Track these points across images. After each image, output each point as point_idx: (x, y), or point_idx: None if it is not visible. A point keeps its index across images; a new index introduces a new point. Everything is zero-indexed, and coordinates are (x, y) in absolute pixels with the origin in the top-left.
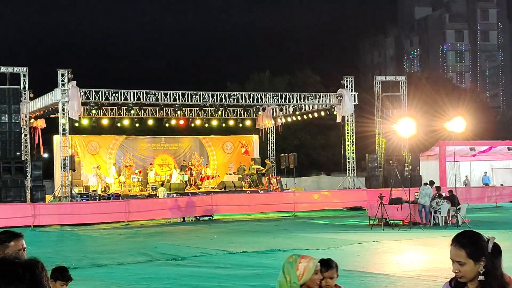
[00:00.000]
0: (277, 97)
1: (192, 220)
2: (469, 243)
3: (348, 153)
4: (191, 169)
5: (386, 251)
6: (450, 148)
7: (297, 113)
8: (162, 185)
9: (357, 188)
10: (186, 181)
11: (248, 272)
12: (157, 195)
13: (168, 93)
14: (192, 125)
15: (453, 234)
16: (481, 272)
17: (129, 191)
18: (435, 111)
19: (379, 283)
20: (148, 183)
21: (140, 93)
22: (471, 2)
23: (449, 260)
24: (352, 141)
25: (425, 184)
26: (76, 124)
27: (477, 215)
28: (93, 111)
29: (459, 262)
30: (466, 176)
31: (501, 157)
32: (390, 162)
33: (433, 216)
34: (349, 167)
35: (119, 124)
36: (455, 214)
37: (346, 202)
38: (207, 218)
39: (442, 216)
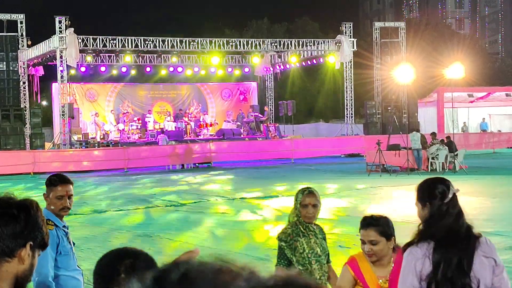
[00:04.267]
0: (276, 44)
1: (191, 167)
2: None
3: (347, 100)
4: (188, 117)
5: (384, 196)
6: (448, 95)
7: (296, 59)
8: (162, 132)
9: (355, 135)
10: (183, 129)
11: (247, 217)
12: (157, 143)
13: (166, 40)
14: (190, 72)
15: (451, 180)
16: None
17: (128, 138)
18: (434, 58)
19: None
20: (147, 130)
21: (137, 40)
22: None
23: None
24: (351, 88)
25: (413, 130)
26: (74, 72)
27: (475, 161)
28: (90, 58)
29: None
30: (464, 122)
31: (499, 103)
32: (388, 108)
33: (431, 162)
34: (347, 114)
35: (117, 72)
36: (453, 160)
37: (344, 149)
38: (206, 166)
39: (439, 162)
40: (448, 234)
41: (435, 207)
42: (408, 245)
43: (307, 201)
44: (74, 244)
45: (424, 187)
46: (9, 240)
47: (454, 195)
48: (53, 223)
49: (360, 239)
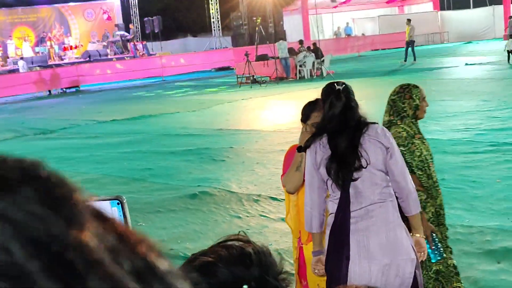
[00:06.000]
0: None
1: (58, 92)
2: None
3: (212, 12)
4: (50, 41)
5: (255, 107)
6: (312, 1)
7: None
8: (22, 58)
9: (223, 48)
10: (47, 53)
11: (119, 139)
12: (19, 70)
13: None
14: None
15: (318, 86)
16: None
17: None
18: None
19: (250, 139)
20: (8, 58)
21: None
22: None
23: None
24: (216, 0)
25: (280, 39)
26: None
27: (341, 66)
28: None
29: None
30: (338, 27)
31: (362, 6)
32: (254, 18)
33: (299, 69)
34: (214, 27)
35: None
36: (320, 66)
37: (214, 63)
38: (73, 90)
39: (307, 69)
40: (337, 124)
41: (326, 104)
42: (307, 141)
43: (424, 93)
44: None
45: (322, 91)
46: None
47: (338, 90)
48: None
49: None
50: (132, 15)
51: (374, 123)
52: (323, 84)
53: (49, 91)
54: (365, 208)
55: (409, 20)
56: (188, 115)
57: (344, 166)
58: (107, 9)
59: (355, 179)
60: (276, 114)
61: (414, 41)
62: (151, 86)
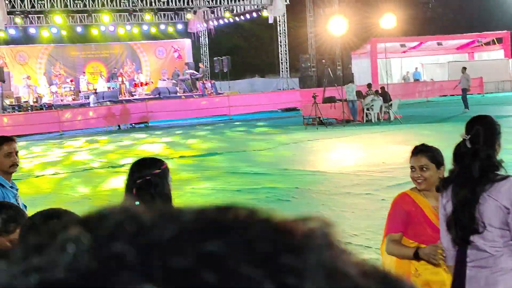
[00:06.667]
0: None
1: (127, 127)
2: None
3: (281, 54)
4: (122, 76)
5: (321, 149)
6: (381, 45)
7: (229, 15)
8: (95, 93)
9: (291, 89)
10: (118, 89)
11: (187, 176)
12: (90, 104)
13: None
14: (123, 31)
15: (386, 129)
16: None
17: (61, 100)
18: (366, 9)
19: (315, 180)
20: (80, 92)
21: (67, 0)
22: None
23: (383, 155)
24: (285, 42)
25: (349, 82)
26: (3, 35)
27: (409, 111)
28: (19, 20)
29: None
30: (407, 72)
31: (431, 52)
32: (323, 61)
33: (366, 113)
34: (282, 68)
35: (47, 33)
36: (387, 110)
37: (280, 103)
38: (142, 126)
39: (374, 113)
40: (460, 173)
41: (456, 149)
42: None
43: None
44: (26, 207)
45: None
46: None
47: (464, 140)
48: None
49: (410, 167)
50: (202, 54)
51: (504, 177)
52: (390, 128)
53: (119, 126)
54: (485, 260)
55: (464, 68)
56: (255, 154)
57: (460, 226)
58: (178, 47)
59: (471, 242)
60: (342, 156)
61: (466, 89)
62: (218, 124)
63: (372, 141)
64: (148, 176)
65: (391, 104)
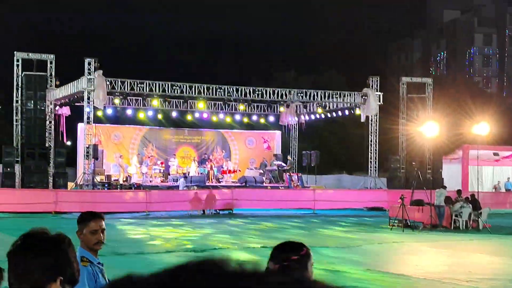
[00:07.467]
0: (302, 94)
1: (212, 213)
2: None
3: (371, 153)
4: (211, 163)
5: (406, 252)
6: (473, 152)
7: (321, 111)
8: (184, 177)
9: (378, 188)
10: (206, 174)
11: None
12: (178, 187)
13: (193, 86)
14: (215, 118)
15: (474, 238)
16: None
17: (150, 181)
18: (459, 115)
19: (398, 283)
20: (169, 174)
21: (165, 85)
22: (501, 7)
23: (470, 264)
24: (375, 141)
25: (441, 187)
26: (100, 113)
27: (499, 221)
28: (118, 101)
29: None
30: (498, 181)
31: None
32: (413, 163)
33: (454, 219)
34: (371, 167)
35: (143, 115)
36: (476, 219)
37: (366, 202)
38: (227, 212)
39: (463, 220)
40: None
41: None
42: None
43: None
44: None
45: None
46: (39, 273)
47: None
48: (87, 260)
49: None
50: (291, 147)
51: None
52: (478, 236)
53: (203, 210)
54: None
55: None
56: (337, 251)
57: None
58: (268, 138)
59: None
60: (428, 261)
61: None
62: (302, 218)
63: (459, 249)
64: (285, 262)
65: (481, 213)
